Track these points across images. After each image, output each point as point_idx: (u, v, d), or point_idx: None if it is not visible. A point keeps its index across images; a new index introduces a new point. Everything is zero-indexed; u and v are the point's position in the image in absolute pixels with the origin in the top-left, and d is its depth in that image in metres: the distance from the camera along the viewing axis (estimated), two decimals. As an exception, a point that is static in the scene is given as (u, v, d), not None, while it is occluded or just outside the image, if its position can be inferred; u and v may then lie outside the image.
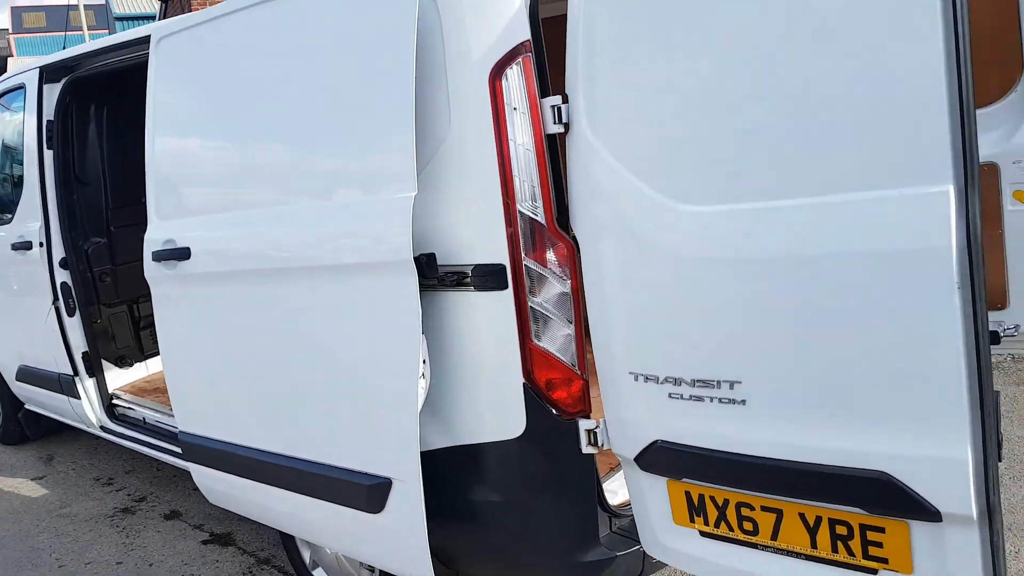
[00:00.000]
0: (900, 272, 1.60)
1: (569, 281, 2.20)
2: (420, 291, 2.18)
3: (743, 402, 1.84)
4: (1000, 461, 1.58)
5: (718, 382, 1.87)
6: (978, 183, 1.51)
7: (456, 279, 2.25)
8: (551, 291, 2.21)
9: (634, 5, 1.91)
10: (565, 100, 2.09)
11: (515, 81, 2.13)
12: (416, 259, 2.16)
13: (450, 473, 2.35)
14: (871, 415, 1.68)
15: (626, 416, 2.10)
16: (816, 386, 1.74)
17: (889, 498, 1.66)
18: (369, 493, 2.32)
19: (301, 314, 2.47)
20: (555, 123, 2.10)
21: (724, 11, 1.75)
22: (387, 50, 2.20)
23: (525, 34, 2.11)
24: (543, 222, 2.17)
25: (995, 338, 1.75)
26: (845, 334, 1.68)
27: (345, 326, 2.35)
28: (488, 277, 2.20)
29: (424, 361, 2.23)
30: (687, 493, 2.03)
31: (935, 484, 1.60)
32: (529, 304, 2.18)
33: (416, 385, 2.17)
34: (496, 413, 2.29)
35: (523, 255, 2.17)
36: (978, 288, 1.55)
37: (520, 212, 2.16)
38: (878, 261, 1.62)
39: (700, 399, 1.91)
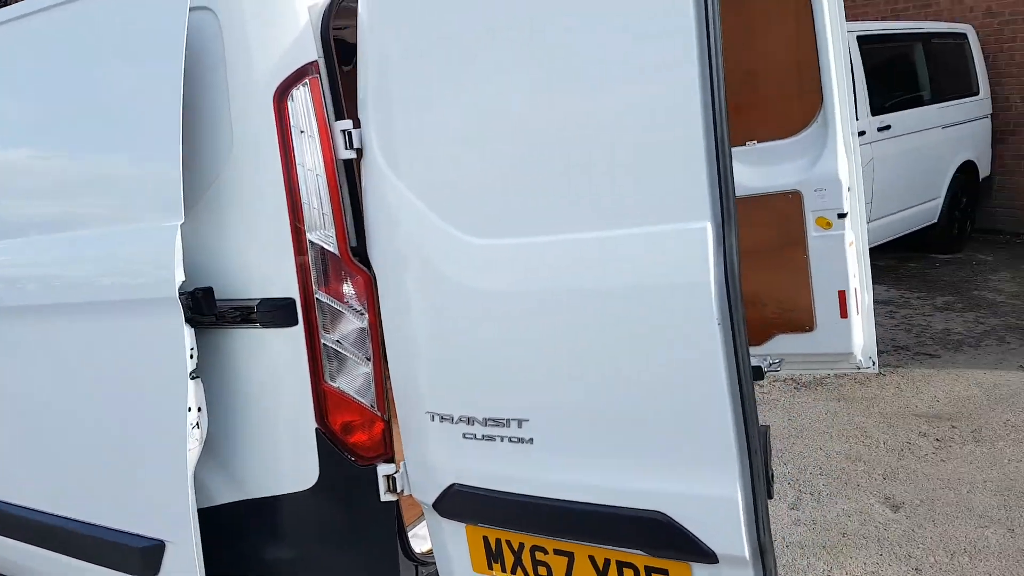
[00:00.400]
0: (664, 307, 1.59)
1: (367, 316, 2.07)
2: (198, 330, 1.98)
3: (531, 441, 1.78)
4: (770, 498, 1.59)
5: (507, 420, 1.80)
6: (735, 220, 1.53)
7: (240, 315, 2.07)
8: (347, 327, 2.06)
9: (421, 35, 1.84)
10: (357, 125, 1.97)
11: (302, 103, 1.98)
12: (191, 294, 1.95)
13: (239, 530, 2.15)
14: (646, 453, 1.66)
15: (425, 459, 1.99)
16: (595, 423, 1.71)
17: (667, 539, 1.63)
18: (142, 556, 2.08)
19: (62, 357, 2.20)
20: (347, 148, 1.98)
21: (498, 50, 1.72)
22: (154, 64, 2.00)
23: (313, 54, 1.98)
24: (336, 252, 2.03)
25: (759, 373, 1.78)
26: (617, 370, 1.65)
27: (107, 371, 2.11)
28: (276, 312, 2.03)
29: (199, 409, 2.02)
30: (484, 538, 1.94)
31: (709, 524, 1.59)
32: (322, 342, 2.03)
33: (184, 436, 1.96)
34: (287, 462, 2.12)
35: (315, 288, 2.02)
36: (738, 324, 1.55)
37: (311, 241, 2.01)
38: (643, 296, 1.61)
39: (492, 439, 1.83)
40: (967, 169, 7.54)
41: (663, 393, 1.62)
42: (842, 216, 3.04)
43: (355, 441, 2.07)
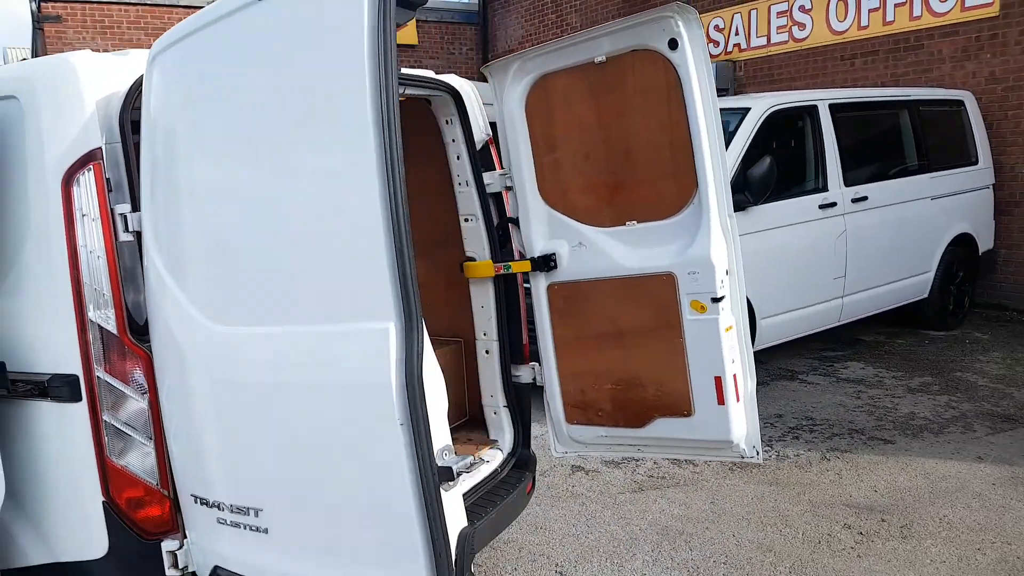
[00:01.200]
0: (352, 406, 1.59)
1: (148, 395, 2.09)
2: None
3: (266, 531, 1.76)
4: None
5: (247, 509, 1.80)
6: (419, 322, 1.51)
7: (33, 389, 2.12)
8: (127, 405, 2.10)
9: (174, 134, 1.91)
10: (136, 208, 2.03)
11: (86, 187, 2.06)
12: None
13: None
14: (355, 554, 1.63)
15: (194, 539, 1.99)
16: (312, 518, 1.69)
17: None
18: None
19: None
20: (124, 231, 2.04)
21: (222, 156, 1.76)
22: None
23: (98, 141, 2.06)
24: (115, 332, 2.07)
25: (448, 475, 1.72)
26: (322, 468, 1.65)
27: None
28: (63, 388, 2.09)
29: None
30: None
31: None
32: (104, 419, 2.06)
33: None
34: (80, 530, 2.17)
35: (95, 366, 2.06)
36: (421, 427, 1.52)
37: (91, 320, 2.07)
38: (336, 394, 1.61)
39: (238, 525, 1.83)
40: (963, 242, 7.27)
41: (359, 493, 1.61)
42: (716, 300, 2.95)
43: (141, 516, 2.10)
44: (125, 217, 2.02)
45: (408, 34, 14.12)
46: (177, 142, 1.87)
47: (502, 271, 3.33)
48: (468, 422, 3.78)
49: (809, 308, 6.08)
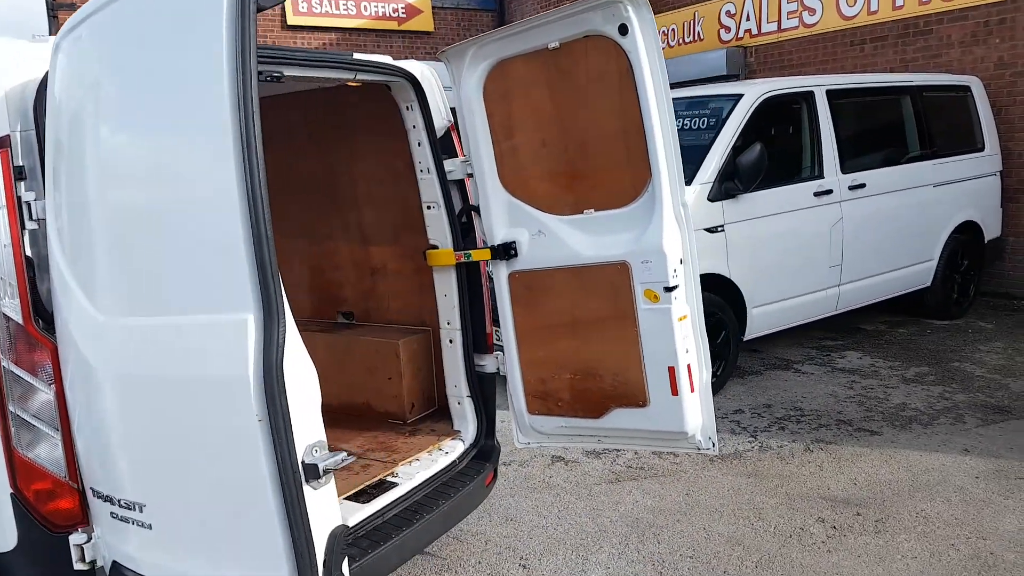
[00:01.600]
0: (217, 402, 1.56)
1: (54, 386, 2.08)
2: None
3: (150, 527, 1.75)
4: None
5: (134, 504, 1.79)
6: (279, 314, 1.49)
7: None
8: (35, 396, 2.08)
9: (63, 122, 1.89)
10: (40, 197, 2.02)
11: None
12: None
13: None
14: (225, 554, 1.61)
15: (99, 533, 1.99)
16: (190, 517, 1.68)
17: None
18: None
19: None
20: (30, 219, 2.03)
21: (96, 140, 1.75)
22: None
23: (6, 128, 2.05)
24: (20, 321, 2.06)
25: (314, 472, 1.69)
26: (188, 463, 1.63)
27: None
28: None
29: None
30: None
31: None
32: (11, 410, 2.06)
33: None
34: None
35: (1, 356, 2.05)
36: (281, 422, 1.50)
37: (-3, 310, 2.06)
38: (200, 388, 1.58)
39: (128, 521, 1.82)
40: (968, 229, 7.10)
41: (226, 491, 1.59)
42: (669, 289, 2.91)
43: (49, 509, 2.07)
44: (30, 205, 2.01)
45: (424, 21, 14.06)
46: (72, 128, 1.86)
47: (463, 259, 3.31)
48: (436, 412, 3.78)
49: (803, 297, 5.98)
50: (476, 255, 3.28)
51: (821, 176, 5.95)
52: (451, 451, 3.35)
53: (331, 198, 3.95)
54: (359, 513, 2.84)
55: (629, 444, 3.25)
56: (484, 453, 3.42)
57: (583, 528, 3.85)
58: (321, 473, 1.65)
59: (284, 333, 1.50)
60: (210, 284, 1.55)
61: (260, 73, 2.55)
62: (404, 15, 13.58)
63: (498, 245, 3.23)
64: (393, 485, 3.06)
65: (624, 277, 2.97)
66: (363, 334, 3.85)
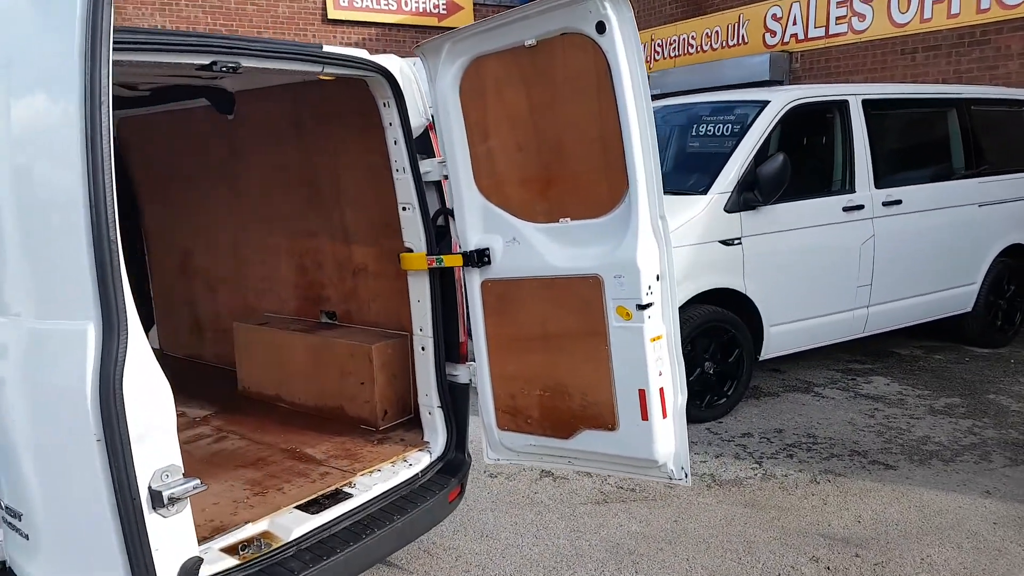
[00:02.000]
0: (64, 416, 1.44)
1: None
2: None
3: (27, 537, 1.66)
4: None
5: (15, 512, 1.69)
6: (120, 327, 1.37)
7: None
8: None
9: None
10: None
11: None
12: None
13: None
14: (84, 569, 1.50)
15: (1, 535, 1.91)
16: (52, 533, 1.57)
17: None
18: None
19: None
20: None
21: None
22: None
23: None
24: None
25: (159, 499, 1.56)
26: (52, 477, 1.52)
27: None
28: None
29: None
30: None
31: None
32: None
33: None
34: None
35: None
36: (118, 444, 1.38)
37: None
38: (49, 398, 1.47)
39: (12, 527, 1.73)
40: (1017, 253, 6.66)
41: (79, 512, 1.48)
42: (642, 307, 2.71)
43: None
44: None
45: (464, 17, 13.99)
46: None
47: (435, 264, 3.17)
48: (410, 420, 3.65)
49: (827, 317, 5.67)
50: (448, 260, 3.13)
51: (852, 190, 5.62)
52: (415, 463, 3.21)
53: (316, 194, 3.86)
54: (306, 524, 2.73)
55: (599, 468, 3.06)
56: (451, 467, 3.27)
57: (560, 551, 3.67)
58: (166, 501, 1.52)
59: (124, 347, 1.38)
60: (54, 289, 1.45)
61: (215, 63, 2.46)
62: (445, 11, 13.53)
63: (471, 251, 3.08)
64: (348, 496, 2.94)
65: (596, 292, 2.79)
66: (340, 336, 3.74)
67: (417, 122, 3.14)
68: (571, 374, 2.94)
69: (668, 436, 2.82)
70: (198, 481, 1.63)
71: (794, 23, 9.68)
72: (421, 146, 3.17)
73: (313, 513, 2.81)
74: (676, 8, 11.82)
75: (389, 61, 3.07)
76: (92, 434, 1.39)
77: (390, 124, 3.12)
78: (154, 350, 4.96)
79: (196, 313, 4.82)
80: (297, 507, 2.86)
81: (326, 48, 2.82)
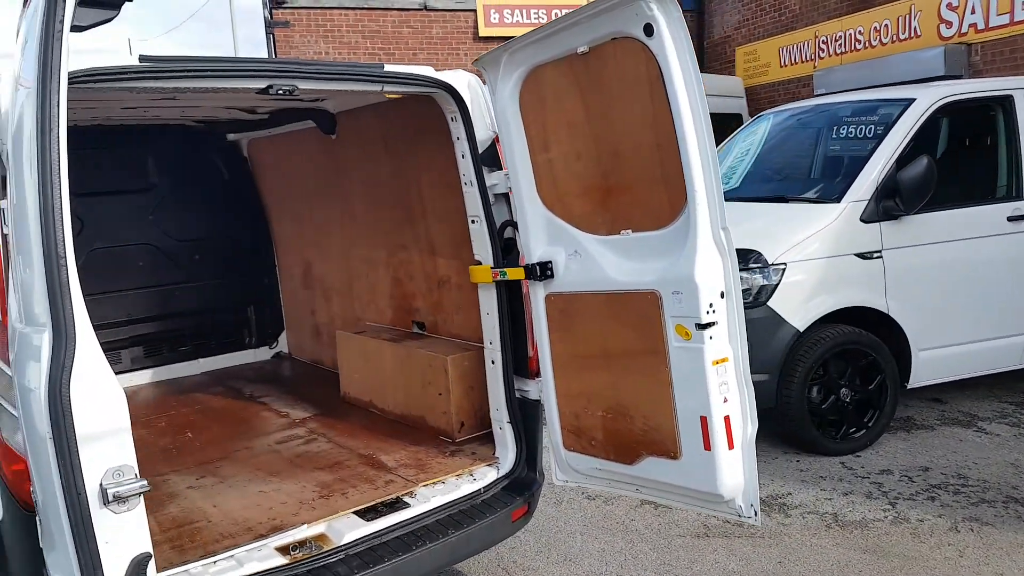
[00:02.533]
0: (32, 416, 1.52)
1: None
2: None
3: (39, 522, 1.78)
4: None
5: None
6: (68, 335, 1.44)
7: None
8: (6, 383, 2.23)
9: None
10: None
11: None
12: None
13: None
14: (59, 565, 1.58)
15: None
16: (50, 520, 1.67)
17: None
18: None
19: None
20: None
21: None
22: None
23: None
24: None
25: (106, 497, 1.56)
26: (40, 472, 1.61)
27: None
28: None
29: None
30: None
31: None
32: None
33: None
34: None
35: None
36: (65, 444, 1.44)
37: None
38: (25, 399, 1.55)
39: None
40: None
41: (49, 506, 1.56)
42: (702, 327, 2.47)
43: (23, 489, 2.24)
44: None
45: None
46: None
47: (499, 277, 3.11)
48: (487, 435, 3.60)
49: (988, 343, 4.96)
50: (511, 273, 3.06)
51: (1019, 198, 4.90)
52: (480, 478, 3.15)
53: (406, 208, 3.93)
54: (359, 530, 2.76)
55: (667, 500, 2.84)
56: (519, 485, 3.17)
57: (641, 583, 3.45)
58: (111, 498, 1.59)
59: (72, 354, 1.46)
60: (28, 298, 1.57)
61: (271, 87, 2.57)
62: (597, 24, 13.41)
63: (533, 264, 2.99)
64: (406, 506, 2.94)
65: (654, 308, 2.60)
66: (422, 346, 3.77)
67: (484, 135, 3.10)
68: (632, 395, 2.76)
69: (735, 469, 2.56)
70: (144, 482, 1.69)
71: (972, 12, 8.65)
72: (489, 159, 3.13)
73: (369, 520, 2.83)
74: (842, 3, 10.98)
75: (455, 76, 3.06)
76: (46, 432, 1.49)
77: (457, 138, 3.12)
78: (283, 355, 5.26)
79: (316, 321, 5.08)
80: (355, 512, 2.90)
81: (388, 67, 2.86)
